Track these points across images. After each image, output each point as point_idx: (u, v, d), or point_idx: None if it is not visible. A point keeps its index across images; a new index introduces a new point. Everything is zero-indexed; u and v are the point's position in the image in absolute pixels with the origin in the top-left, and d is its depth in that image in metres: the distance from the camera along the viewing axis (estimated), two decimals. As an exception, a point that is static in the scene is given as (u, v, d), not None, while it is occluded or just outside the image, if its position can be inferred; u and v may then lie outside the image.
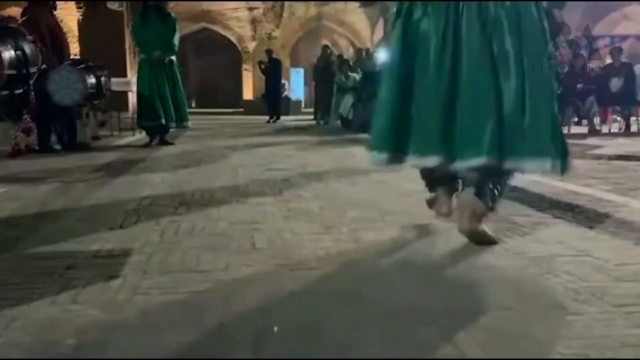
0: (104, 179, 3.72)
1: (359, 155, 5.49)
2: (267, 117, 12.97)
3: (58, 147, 5.58)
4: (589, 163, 4.60)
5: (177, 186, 3.44)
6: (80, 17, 15.61)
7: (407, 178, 3.18)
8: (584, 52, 10.43)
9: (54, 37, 5.41)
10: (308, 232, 2.30)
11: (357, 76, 10.17)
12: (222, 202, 2.92)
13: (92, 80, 5.47)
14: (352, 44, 23.79)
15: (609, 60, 10.42)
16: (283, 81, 15.62)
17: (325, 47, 14.02)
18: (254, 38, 21.11)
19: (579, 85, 8.79)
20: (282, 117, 13.34)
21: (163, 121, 6.07)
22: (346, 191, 3.30)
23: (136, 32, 6.38)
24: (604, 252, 1.97)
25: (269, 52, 14.03)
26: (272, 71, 13.36)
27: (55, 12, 5.57)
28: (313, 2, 21.22)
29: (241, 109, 19.51)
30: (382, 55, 11.25)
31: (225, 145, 6.44)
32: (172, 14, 6.54)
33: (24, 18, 5.10)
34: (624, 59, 9.26)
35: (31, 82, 3.69)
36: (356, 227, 2.38)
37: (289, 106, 16.78)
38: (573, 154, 5.09)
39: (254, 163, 4.71)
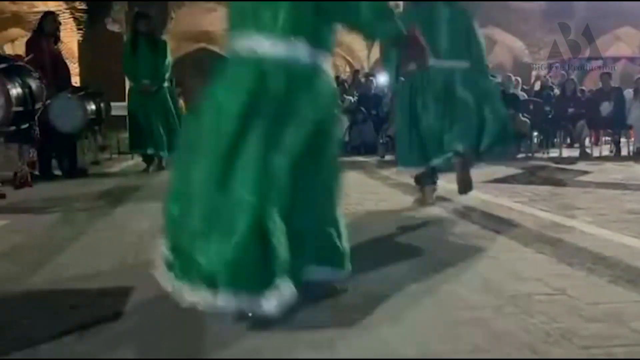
0: (104, 209, 3.83)
1: (353, 180, 5.65)
2: None
3: (58, 172, 5.71)
4: (576, 192, 4.73)
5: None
6: (81, 38, 15.79)
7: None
8: (574, 77, 10.64)
9: (56, 67, 5.57)
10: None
11: (352, 99, 10.34)
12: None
13: (91, 106, 5.61)
14: (349, 63, 24.09)
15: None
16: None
17: None
18: (252, 58, 21.33)
19: (570, 110, 8.97)
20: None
21: (150, 151, 6.07)
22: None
23: (126, 61, 6.29)
24: (578, 290, 2.09)
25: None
26: None
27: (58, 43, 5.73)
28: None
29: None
30: (378, 79, 11.47)
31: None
32: (163, 39, 6.71)
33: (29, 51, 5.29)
34: (613, 84, 9.45)
35: (36, 117, 3.82)
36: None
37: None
38: (562, 181, 5.23)
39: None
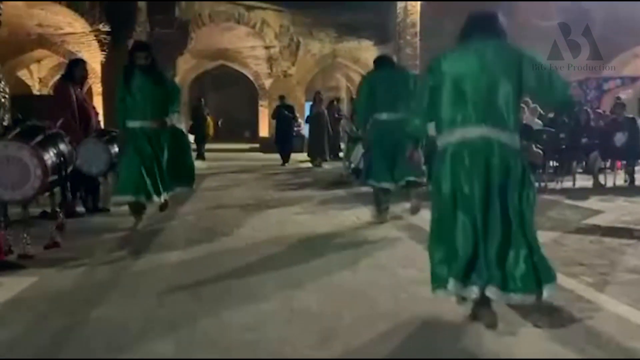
0: (124, 261, 4.05)
1: (365, 219, 5.82)
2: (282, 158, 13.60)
3: (82, 209, 5.98)
4: (582, 240, 4.83)
5: (192, 273, 3.76)
6: (104, 59, 16.24)
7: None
8: (587, 108, 10.69)
9: (83, 112, 5.84)
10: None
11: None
12: (238, 300, 3.23)
13: (115, 149, 5.85)
14: (366, 80, 24.24)
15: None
16: (299, 121, 16.20)
17: (317, 93, 14.73)
18: (270, 75, 21.66)
19: (584, 140, 9.03)
20: (298, 155, 13.77)
21: (143, 198, 5.07)
22: (348, 281, 3.59)
23: (120, 98, 5.15)
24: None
25: (281, 97, 14.63)
26: (281, 116, 13.90)
27: (84, 88, 5.99)
28: (328, 40, 21.78)
29: (257, 145, 20.00)
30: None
31: (237, 205, 6.80)
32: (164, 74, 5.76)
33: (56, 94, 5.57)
34: (627, 114, 9.49)
35: (67, 182, 4.07)
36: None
37: (304, 144, 17.15)
38: (570, 224, 5.31)
39: (265, 235, 5.04)
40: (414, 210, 5.67)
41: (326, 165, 13.09)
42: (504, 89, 2.71)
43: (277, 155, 13.81)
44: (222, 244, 4.70)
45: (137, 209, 5.21)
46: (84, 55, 17.91)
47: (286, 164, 13.38)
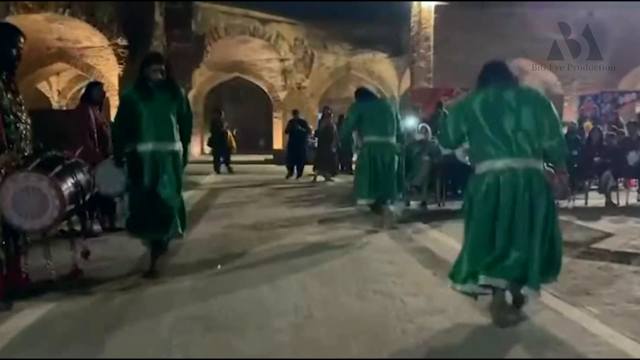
0: (140, 287, 4.17)
1: (376, 241, 5.89)
2: (293, 173, 13.78)
3: (98, 228, 6.13)
4: (590, 267, 4.86)
5: (205, 300, 3.86)
6: (121, 73, 16.55)
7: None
8: (599, 126, 10.67)
9: (101, 132, 6.01)
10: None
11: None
12: (249, 330, 3.33)
13: (132, 170, 6.00)
14: (380, 91, 24.34)
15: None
16: (312, 134, 16.27)
17: (326, 108, 14.82)
18: (284, 87, 21.87)
19: (596, 159, 9.02)
20: (311, 168, 13.85)
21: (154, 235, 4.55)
22: (356, 311, 3.67)
23: (123, 118, 4.60)
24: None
25: (294, 112, 14.78)
26: (294, 131, 14.04)
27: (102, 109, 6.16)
28: (342, 53, 21.94)
29: (271, 156, 20.12)
30: (408, 122, 11.61)
31: (250, 225, 6.91)
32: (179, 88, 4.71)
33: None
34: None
35: (86, 211, 4.20)
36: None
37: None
38: (579, 248, 5.30)
39: (277, 259, 5.14)
40: (394, 220, 6.81)
41: (338, 179, 13.18)
42: (528, 125, 3.36)
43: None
44: (234, 270, 4.79)
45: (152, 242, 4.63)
46: (101, 68, 18.30)
47: (299, 178, 13.52)
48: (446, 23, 18.10)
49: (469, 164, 8.18)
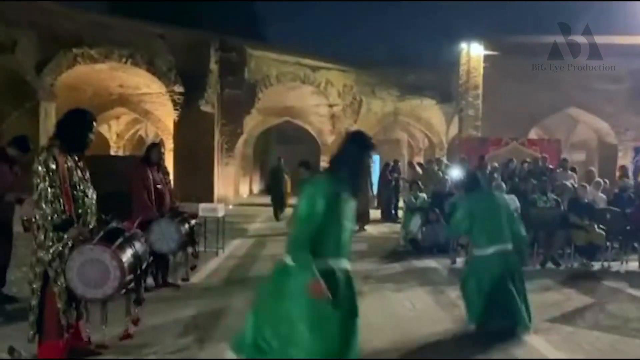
0: (189, 351, 4.35)
1: (421, 307, 5.89)
2: None
3: (152, 283, 6.40)
4: (637, 348, 4.75)
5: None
6: (176, 118, 17.29)
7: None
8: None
9: (158, 191, 6.33)
10: None
11: (425, 196, 10.63)
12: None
13: (186, 228, 6.29)
14: (428, 137, 24.42)
15: None
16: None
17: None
18: (332, 132, 22.22)
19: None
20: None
21: None
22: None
23: None
24: None
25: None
26: None
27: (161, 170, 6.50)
28: (390, 99, 22.20)
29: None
30: (454, 173, 11.67)
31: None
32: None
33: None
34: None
35: (142, 280, 4.46)
36: None
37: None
38: (631, 320, 5.17)
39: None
40: None
41: (384, 228, 13.20)
42: (506, 219, 5.15)
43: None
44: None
45: None
46: (158, 113, 19.16)
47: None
48: (495, 72, 18.13)
49: None
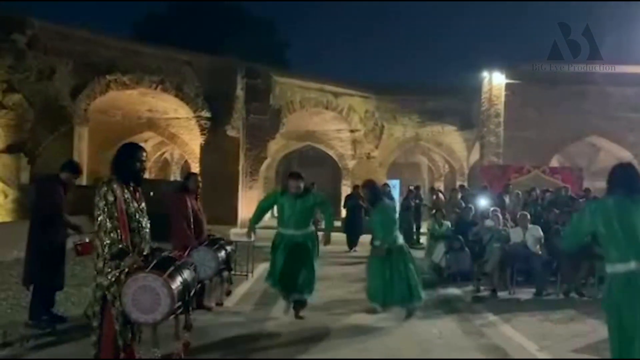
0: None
1: (447, 335, 6.07)
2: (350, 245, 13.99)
3: (188, 306, 6.67)
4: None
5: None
6: (203, 142, 17.76)
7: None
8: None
9: (196, 219, 6.64)
10: None
11: (449, 224, 10.80)
12: None
13: (223, 255, 6.57)
14: (448, 162, 24.58)
15: None
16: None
17: (356, 187, 14.86)
18: (353, 157, 22.54)
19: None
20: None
21: None
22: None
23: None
24: None
25: (354, 187, 15.20)
26: (352, 204, 14.38)
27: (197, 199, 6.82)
28: (411, 125, 22.48)
29: (339, 223, 20.54)
30: (480, 202, 11.74)
31: (324, 309, 7.21)
32: None
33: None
34: None
35: (190, 307, 4.74)
36: None
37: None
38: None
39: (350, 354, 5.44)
40: None
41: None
42: None
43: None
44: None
45: None
46: (185, 137, 19.64)
47: (356, 250, 13.67)
48: (517, 99, 18.36)
49: (539, 253, 8.77)
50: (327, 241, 7.08)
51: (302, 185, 6.64)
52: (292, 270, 6.39)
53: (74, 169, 6.25)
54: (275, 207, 6.95)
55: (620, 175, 3.87)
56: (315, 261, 6.62)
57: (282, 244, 6.54)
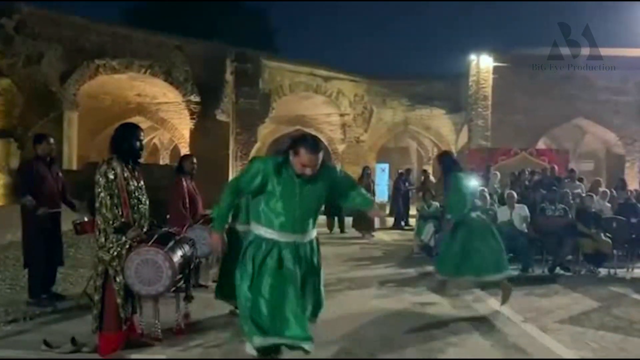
0: (231, 344, 4.76)
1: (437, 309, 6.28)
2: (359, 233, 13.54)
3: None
4: (644, 346, 5.12)
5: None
6: (192, 126, 17.80)
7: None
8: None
9: (192, 200, 6.78)
10: None
11: (438, 205, 11.01)
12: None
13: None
14: (437, 146, 24.80)
15: None
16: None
17: (366, 167, 15.05)
18: (343, 141, 22.68)
19: (655, 229, 9.13)
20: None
21: None
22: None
23: None
24: None
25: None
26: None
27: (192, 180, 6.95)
28: (400, 108, 22.65)
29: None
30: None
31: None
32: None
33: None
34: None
35: (190, 280, 4.89)
36: None
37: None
38: (636, 322, 5.47)
39: (344, 327, 5.64)
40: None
41: (396, 235, 13.58)
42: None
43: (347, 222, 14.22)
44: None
45: None
46: (174, 121, 19.66)
47: (342, 232, 13.74)
48: (505, 83, 18.57)
49: (525, 230, 8.96)
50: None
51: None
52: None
53: (36, 139, 6.23)
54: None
55: None
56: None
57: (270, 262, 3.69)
